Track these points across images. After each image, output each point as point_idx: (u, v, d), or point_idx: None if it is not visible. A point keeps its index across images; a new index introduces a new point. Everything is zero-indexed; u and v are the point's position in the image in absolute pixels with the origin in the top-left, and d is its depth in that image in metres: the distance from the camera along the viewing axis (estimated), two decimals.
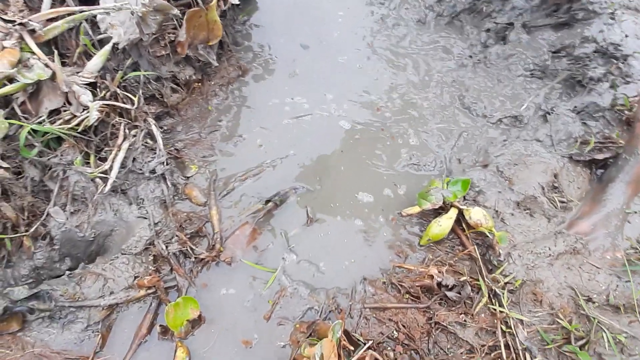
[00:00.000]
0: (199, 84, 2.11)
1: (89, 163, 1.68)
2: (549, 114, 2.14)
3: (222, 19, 2.02)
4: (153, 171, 1.73)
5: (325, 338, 1.38)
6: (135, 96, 1.78)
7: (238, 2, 1.97)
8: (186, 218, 1.75)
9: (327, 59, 2.40)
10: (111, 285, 1.56)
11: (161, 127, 1.93)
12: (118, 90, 1.72)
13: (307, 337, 1.50)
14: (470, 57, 2.44)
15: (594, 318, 1.54)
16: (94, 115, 1.58)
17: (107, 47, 1.65)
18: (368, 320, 1.58)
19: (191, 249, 1.65)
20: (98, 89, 1.69)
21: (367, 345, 1.39)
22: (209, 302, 1.60)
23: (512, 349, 1.50)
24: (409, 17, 2.65)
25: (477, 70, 2.38)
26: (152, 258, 1.64)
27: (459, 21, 2.63)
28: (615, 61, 2.23)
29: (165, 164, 1.75)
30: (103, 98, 1.68)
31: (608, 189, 1.89)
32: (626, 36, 2.37)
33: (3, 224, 1.57)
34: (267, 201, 1.80)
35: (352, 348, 1.37)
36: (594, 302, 1.60)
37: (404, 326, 1.57)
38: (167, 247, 1.63)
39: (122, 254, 1.62)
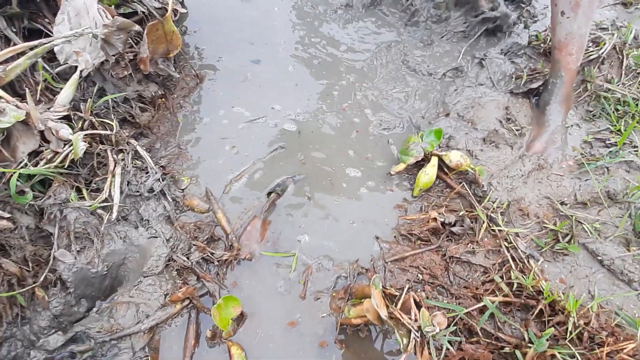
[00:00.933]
0: (163, 99, 2.09)
1: (82, 197, 1.63)
2: (484, 60, 2.42)
3: None
4: (151, 190, 1.71)
5: (367, 294, 1.51)
6: (108, 122, 1.75)
7: (185, 10, 1.98)
8: (195, 228, 1.76)
9: (271, 59, 2.48)
10: (144, 309, 1.55)
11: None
12: (93, 119, 1.68)
13: (347, 301, 1.61)
14: (400, 29, 2.66)
15: (571, 216, 1.81)
16: (81, 147, 1.54)
17: (75, 76, 1.61)
18: (392, 272, 1.72)
19: (211, 253, 1.67)
20: (73, 121, 1.65)
21: (406, 289, 1.52)
22: (244, 298, 1.64)
23: (517, 260, 1.72)
24: (336, 3, 2.81)
25: (410, 38, 2.61)
26: (175, 273, 1.63)
27: None
28: (523, 5, 2.57)
29: (161, 180, 1.74)
30: (81, 129, 1.63)
31: (546, 111, 2.19)
32: None
33: (8, 281, 1.49)
34: (270, 193, 1.86)
35: (396, 294, 1.50)
36: (566, 204, 1.88)
37: (424, 268, 1.73)
38: (188, 257, 1.64)
39: (145, 276, 1.60)
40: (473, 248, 1.77)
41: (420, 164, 2.02)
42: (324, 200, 1.92)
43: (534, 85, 2.25)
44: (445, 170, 1.99)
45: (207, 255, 1.67)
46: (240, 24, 2.59)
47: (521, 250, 1.74)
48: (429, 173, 1.93)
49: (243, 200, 1.88)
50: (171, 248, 1.66)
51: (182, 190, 1.86)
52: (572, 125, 2.21)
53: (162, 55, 1.92)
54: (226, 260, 1.68)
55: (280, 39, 2.55)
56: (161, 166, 1.90)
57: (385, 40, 2.60)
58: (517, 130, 2.11)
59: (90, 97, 1.72)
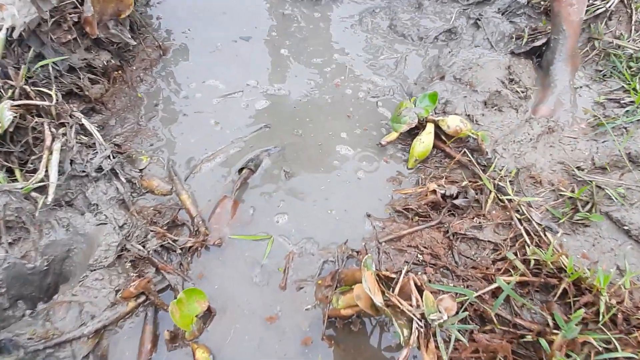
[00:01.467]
0: (120, 71, 1.84)
1: (15, 180, 1.36)
2: (479, 20, 2.18)
3: None
4: (100, 169, 1.45)
5: (358, 280, 1.26)
6: (48, 92, 1.49)
7: None
8: (155, 212, 1.50)
9: (249, 32, 2.24)
10: (90, 309, 1.28)
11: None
12: (28, 88, 1.42)
13: (335, 289, 1.36)
14: None
15: (590, 181, 1.57)
16: (7, 117, 1.28)
17: (1, 35, 1.35)
18: (388, 254, 1.47)
19: (173, 240, 1.41)
20: (2, 90, 1.38)
21: (404, 271, 1.27)
22: (213, 291, 1.38)
23: (532, 234, 1.48)
24: None
25: (397, 2, 2.37)
26: (130, 264, 1.37)
27: None
28: None
29: (111, 157, 1.48)
30: (12, 99, 1.37)
31: (550, 72, 1.96)
32: None
33: None
34: (241, 169, 1.61)
35: (393, 277, 1.25)
36: (583, 169, 1.64)
37: (425, 248, 1.48)
38: (144, 246, 1.38)
39: (92, 270, 1.34)
40: (480, 222, 1.52)
41: (414, 133, 1.77)
42: (307, 176, 1.67)
43: (538, 44, 2.01)
44: (443, 138, 1.75)
45: (168, 243, 1.41)
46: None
47: (536, 222, 1.50)
48: (424, 141, 1.69)
49: (214, 181, 1.62)
50: (125, 236, 1.40)
51: (141, 170, 1.60)
52: (581, 87, 1.98)
53: (112, 17, 1.66)
54: (191, 247, 1.42)
55: (254, 10, 2.30)
56: (116, 144, 1.64)
57: (369, 6, 2.36)
58: (521, 91, 1.87)
59: (25, 64, 1.46)
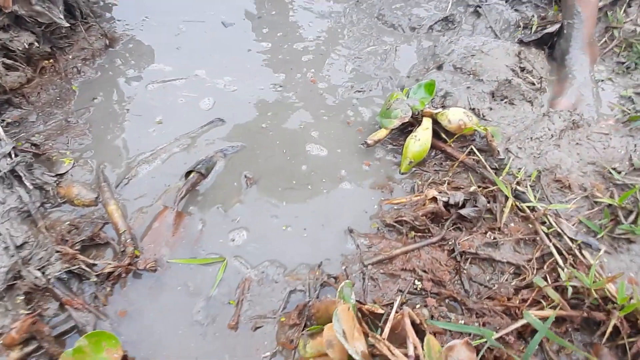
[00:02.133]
0: (51, 60, 1.52)
1: None
2: (480, 8, 1.90)
3: None
4: None
5: (331, 317, 0.89)
6: None
7: None
8: (70, 227, 1.15)
9: (226, 19, 1.95)
10: None
11: (2, 122, 1.31)
12: None
13: (303, 329, 0.99)
14: None
15: (633, 185, 1.24)
16: None
17: None
18: (376, 280, 1.12)
19: (88, 264, 1.05)
20: None
21: (397, 304, 0.91)
22: (137, 334, 1.01)
23: (565, 252, 1.13)
24: None
25: None
26: (23, 298, 1.01)
27: None
28: None
29: (13, 155, 1.14)
30: None
31: (566, 62, 1.67)
32: None
33: None
34: (189, 172, 1.26)
35: (381, 312, 0.89)
36: (619, 172, 1.31)
37: (424, 272, 1.12)
38: (44, 272, 1.02)
39: None
40: (495, 238, 1.17)
41: (407, 130, 1.45)
42: (273, 182, 1.33)
43: (550, 30, 1.72)
44: (443, 136, 1.43)
45: (79, 268, 1.04)
46: None
47: (568, 238, 1.15)
48: (420, 138, 1.36)
49: (153, 188, 1.28)
50: (22, 258, 1.04)
51: (60, 175, 1.26)
52: (602, 80, 1.68)
53: None
54: (111, 273, 1.06)
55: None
56: (33, 144, 1.31)
57: None
58: (536, 82, 1.57)
59: None
